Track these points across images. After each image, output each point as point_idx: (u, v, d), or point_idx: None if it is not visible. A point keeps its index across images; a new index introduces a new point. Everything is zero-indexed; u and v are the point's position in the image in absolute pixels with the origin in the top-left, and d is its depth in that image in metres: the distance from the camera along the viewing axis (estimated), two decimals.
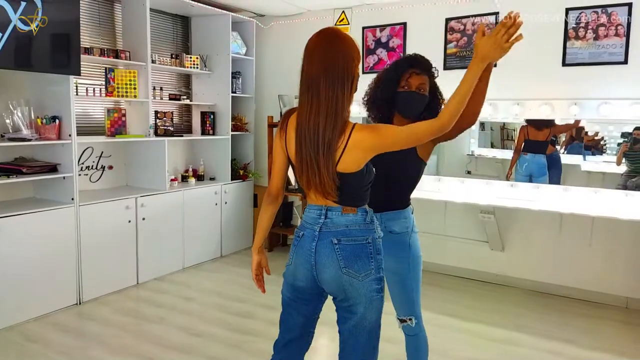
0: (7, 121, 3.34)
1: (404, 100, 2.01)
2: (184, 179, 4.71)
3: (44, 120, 3.42)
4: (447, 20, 4.18)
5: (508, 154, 4.39)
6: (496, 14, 3.97)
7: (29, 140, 3.28)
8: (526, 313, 3.61)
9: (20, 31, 3.00)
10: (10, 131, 3.35)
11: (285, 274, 1.74)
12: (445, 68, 4.22)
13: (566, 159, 4.13)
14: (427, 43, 4.30)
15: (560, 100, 3.75)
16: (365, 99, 2.14)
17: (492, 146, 4.67)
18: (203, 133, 4.82)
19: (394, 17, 4.44)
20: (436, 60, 4.09)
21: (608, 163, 3.95)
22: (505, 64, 3.90)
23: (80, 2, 3.84)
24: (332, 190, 1.56)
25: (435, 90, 2.07)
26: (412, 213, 2.12)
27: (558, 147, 4.14)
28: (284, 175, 1.75)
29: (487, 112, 4.04)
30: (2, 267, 3.07)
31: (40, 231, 3.30)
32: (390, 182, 2.02)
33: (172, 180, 4.44)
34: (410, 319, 2.12)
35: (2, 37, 2.89)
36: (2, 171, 3.27)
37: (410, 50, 4.40)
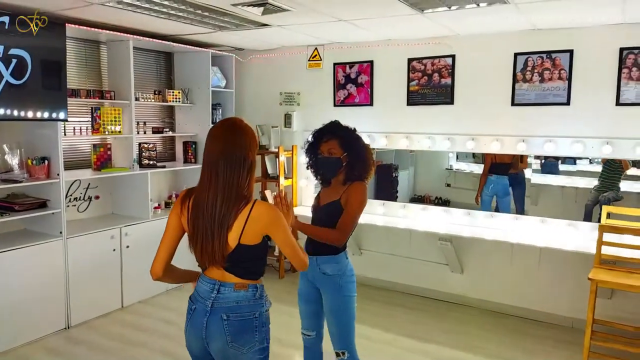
0: (0, 162, 3.64)
1: (319, 164, 2.53)
2: (167, 205, 5.01)
3: (34, 162, 3.73)
4: (410, 60, 4.52)
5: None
6: (452, 56, 4.31)
7: (20, 181, 3.58)
8: (481, 333, 3.94)
9: (12, 86, 3.30)
10: (3, 171, 3.65)
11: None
12: (409, 104, 4.56)
13: (538, 178, 4.49)
14: (392, 80, 4.64)
15: (510, 137, 4.10)
16: (306, 165, 2.65)
17: (474, 156, 5.02)
18: (185, 161, 5.13)
19: (362, 55, 4.77)
20: (400, 96, 4.50)
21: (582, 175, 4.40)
22: (461, 102, 4.29)
23: (68, 44, 4.18)
24: (221, 259, 1.74)
25: (352, 149, 2.47)
26: (346, 258, 2.53)
27: (531, 164, 4.45)
28: (171, 252, 1.85)
29: (446, 146, 4.38)
30: None
31: (31, 263, 3.60)
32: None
33: (155, 207, 4.74)
34: (343, 353, 2.49)
35: None
36: None
37: (377, 85, 4.74)
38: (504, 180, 4.68)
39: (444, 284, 4.59)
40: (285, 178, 5.13)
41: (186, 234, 1.84)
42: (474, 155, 5.02)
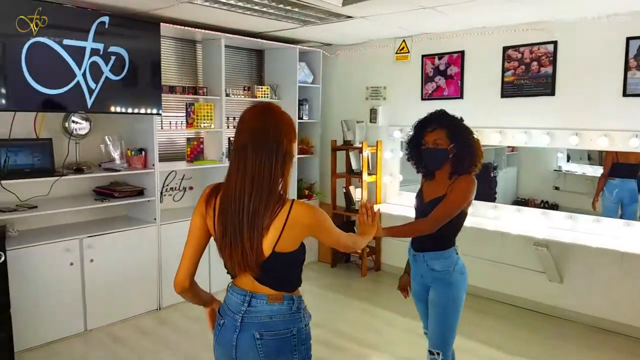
0: (103, 152, 3.99)
1: (424, 156, 2.38)
2: None
3: (133, 152, 4.03)
4: (505, 48, 4.18)
5: (600, 171, 4.24)
6: (554, 42, 3.91)
7: (119, 170, 3.89)
8: (580, 350, 3.53)
9: (111, 81, 3.60)
10: (106, 160, 4.00)
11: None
12: (503, 96, 4.23)
13: None
14: (484, 70, 4.33)
15: (621, 131, 3.61)
16: (406, 156, 2.52)
17: (589, 158, 4.53)
18: None
19: (452, 46, 4.52)
20: (494, 88, 4.19)
21: None
22: (564, 93, 3.88)
23: (167, 43, 4.48)
24: (254, 265, 1.49)
25: (460, 140, 2.31)
26: (456, 254, 2.40)
27: None
28: (196, 260, 1.62)
29: (545, 141, 3.98)
30: (94, 277, 3.69)
31: (128, 246, 3.90)
32: None
33: None
34: (438, 353, 2.35)
35: (96, 87, 3.51)
36: (99, 195, 3.93)
37: (467, 77, 4.46)
38: (630, 184, 4.04)
39: (538, 293, 4.18)
40: (369, 174, 5.03)
41: (213, 238, 1.62)
42: (589, 156, 4.50)
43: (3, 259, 2.95)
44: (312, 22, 4.15)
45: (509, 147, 4.81)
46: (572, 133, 3.84)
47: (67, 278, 3.53)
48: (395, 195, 5.12)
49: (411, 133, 2.45)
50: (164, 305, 4.17)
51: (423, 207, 2.40)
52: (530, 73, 4.06)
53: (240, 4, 3.53)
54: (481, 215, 4.39)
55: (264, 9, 3.70)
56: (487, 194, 5.08)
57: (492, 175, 5.20)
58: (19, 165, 3.42)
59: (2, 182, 3.22)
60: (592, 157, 4.42)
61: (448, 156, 2.31)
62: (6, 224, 3.44)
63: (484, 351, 3.49)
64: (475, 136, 2.41)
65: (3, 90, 3.11)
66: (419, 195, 2.47)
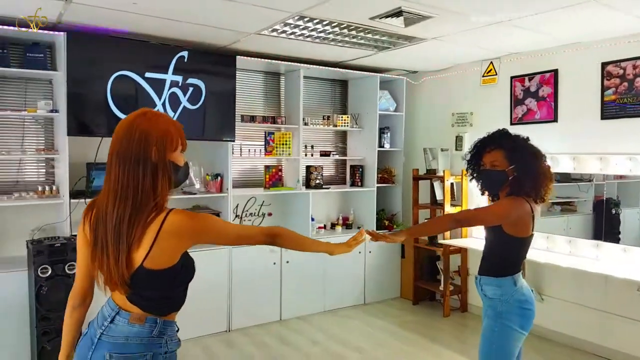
0: None
1: (482, 178, 2.29)
2: (333, 226, 5.10)
3: (210, 177, 4.25)
4: (604, 64, 3.67)
5: None
6: None
7: (194, 193, 4.12)
8: None
9: (188, 110, 3.87)
10: (188, 185, 4.26)
11: None
12: (603, 117, 3.69)
13: None
14: (581, 90, 3.85)
15: None
16: (469, 178, 2.42)
17: None
18: (352, 185, 5.17)
19: (543, 65, 4.10)
20: (592, 109, 3.69)
21: None
22: None
23: (251, 75, 4.73)
24: (118, 281, 1.38)
25: (519, 161, 2.16)
26: (514, 284, 2.19)
27: None
28: (85, 277, 1.52)
29: (628, 168, 3.40)
30: None
31: (201, 267, 4.03)
32: (485, 249, 2.31)
33: (319, 227, 4.88)
34: None
35: (174, 116, 3.79)
36: None
37: (562, 98, 4.00)
38: None
39: None
40: (452, 205, 4.68)
41: None
42: None
43: None
44: (385, 47, 4.07)
45: None
46: None
47: None
48: (481, 229, 4.66)
49: (471, 153, 2.33)
50: (233, 328, 4.24)
51: (485, 231, 2.35)
52: (634, 91, 3.50)
53: (305, 32, 3.60)
54: (581, 255, 3.81)
55: (331, 36, 3.72)
56: (609, 233, 4.41)
57: (613, 212, 4.51)
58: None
59: (87, 200, 3.58)
60: None
61: (507, 178, 2.16)
62: None
63: None
64: (545, 161, 2.22)
65: (91, 119, 3.51)
66: None
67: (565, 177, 4.17)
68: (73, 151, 3.53)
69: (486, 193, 2.35)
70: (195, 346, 3.91)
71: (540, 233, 4.03)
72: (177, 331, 1.53)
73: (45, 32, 3.32)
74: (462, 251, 4.74)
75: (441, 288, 4.75)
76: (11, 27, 3.24)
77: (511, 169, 2.15)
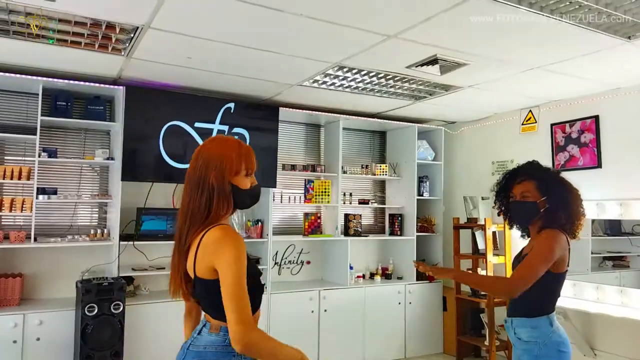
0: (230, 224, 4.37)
1: (511, 210, 2.20)
2: (372, 276, 5.04)
3: (251, 223, 4.36)
4: None
5: None
6: None
7: None
8: None
9: None
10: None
11: None
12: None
13: None
14: (625, 134, 3.79)
15: None
16: (497, 211, 2.35)
17: None
18: (391, 234, 5.14)
19: (584, 111, 4.08)
20: (638, 153, 3.61)
21: None
22: None
23: (294, 127, 4.93)
24: (183, 290, 1.55)
25: (553, 189, 2.10)
26: (550, 325, 2.08)
27: None
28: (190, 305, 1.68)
29: None
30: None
31: None
32: None
33: (358, 277, 4.83)
34: None
35: None
36: None
37: (605, 143, 3.94)
38: None
39: None
40: (495, 254, 4.56)
41: None
42: None
43: (122, 309, 3.34)
44: (422, 96, 4.18)
45: None
46: None
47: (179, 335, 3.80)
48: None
49: (499, 184, 2.28)
50: None
51: (514, 264, 2.21)
52: None
53: (344, 83, 3.77)
54: (634, 306, 3.60)
55: (369, 86, 3.87)
56: None
57: None
58: (153, 230, 3.93)
59: (135, 242, 3.73)
60: None
61: (538, 210, 2.08)
62: (140, 283, 3.93)
63: None
64: (577, 190, 2.14)
65: (144, 165, 3.73)
66: (519, 254, 2.24)
67: (616, 231, 4.02)
68: (125, 197, 3.73)
69: (514, 227, 2.25)
70: None
71: (590, 283, 3.87)
72: None
73: (106, 86, 3.63)
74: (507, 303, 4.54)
75: (486, 343, 4.54)
76: (78, 82, 3.56)
77: (543, 200, 2.07)
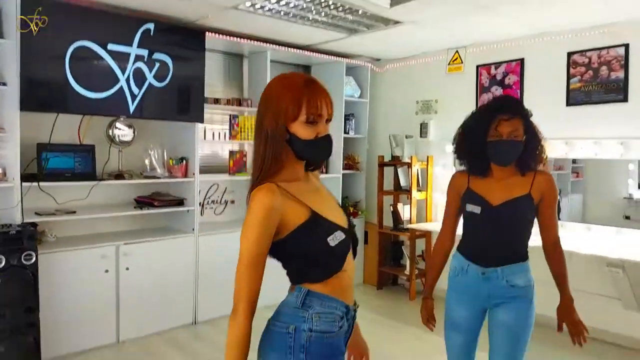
0: (146, 161, 3.95)
1: (496, 150, 1.95)
2: None
3: (174, 161, 3.97)
4: (569, 54, 3.84)
5: None
6: (625, 45, 3.55)
7: (159, 177, 3.83)
8: None
9: (154, 87, 3.58)
10: (148, 170, 3.95)
11: None
12: (569, 104, 3.87)
13: None
14: (547, 78, 4.01)
15: None
16: (454, 150, 2.15)
17: None
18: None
19: (510, 54, 4.23)
20: (558, 96, 3.84)
21: None
22: (638, 99, 3.49)
23: (214, 57, 4.47)
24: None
25: (532, 130, 1.99)
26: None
27: None
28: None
29: (618, 152, 3.58)
30: (129, 286, 3.59)
31: (165, 256, 3.79)
32: (506, 235, 2.00)
33: None
34: None
35: (139, 92, 3.49)
36: (139, 204, 3.87)
37: (528, 86, 4.14)
38: None
39: (611, 322, 3.68)
40: (419, 190, 4.73)
41: None
42: None
43: (34, 260, 2.89)
44: (360, 30, 4.00)
45: (573, 172, 4.45)
46: None
47: (101, 286, 3.45)
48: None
49: (469, 122, 2.06)
50: (200, 320, 4.00)
51: (493, 211, 1.98)
52: (599, 79, 3.69)
53: (284, 9, 3.44)
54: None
55: (310, 15, 3.59)
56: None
57: None
58: (59, 169, 3.40)
59: (41, 183, 3.20)
60: None
61: (521, 152, 1.96)
62: (44, 229, 3.42)
63: None
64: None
65: (46, 92, 3.13)
66: (477, 199, 2.02)
67: None
68: (21, 131, 3.13)
69: (479, 169, 2.04)
70: (160, 341, 3.65)
71: None
72: (345, 312, 1.35)
73: None
74: (427, 235, 4.80)
75: (407, 272, 4.79)
76: None
77: (525, 139, 1.95)
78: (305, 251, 1.31)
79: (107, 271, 3.46)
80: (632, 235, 3.62)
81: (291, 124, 1.29)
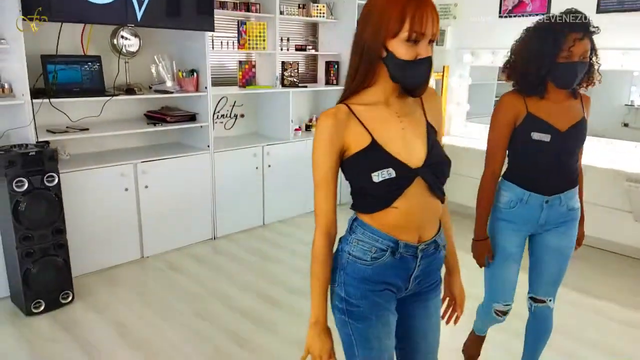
0: (154, 73, 3.72)
1: (566, 73, 1.78)
2: (308, 128, 4.87)
3: (184, 74, 3.75)
4: None
5: None
6: None
7: (171, 92, 3.63)
8: None
9: None
10: (157, 82, 3.74)
11: None
12: (599, 11, 3.66)
13: None
14: None
15: None
16: (508, 67, 1.94)
17: None
18: (327, 83, 4.88)
19: None
20: (589, 3, 3.62)
21: None
22: None
23: None
24: None
25: (595, 50, 1.83)
26: None
27: None
28: None
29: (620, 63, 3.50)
30: (149, 204, 3.54)
31: (181, 173, 3.71)
32: (571, 158, 1.92)
33: (295, 129, 4.62)
34: (550, 300, 2.05)
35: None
36: (151, 119, 3.71)
37: None
38: None
39: (624, 235, 3.81)
40: None
41: None
42: None
43: (57, 181, 2.79)
44: None
45: None
46: None
47: (122, 204, 3.40)
48: (461, 127, 4.71)
49: (533, 41, 1.83)
50: (218, 235, 4.04)
51: (562, 137, 1.85)
52: None
53: None
54: None
55: None
56: None
57: None
58: (67, 83, 3.19)
59: (52, 100, 3.01)
60: None
61: None
62: (57, 147, 3.28)
63: (569, 295, 3.19)
64: None
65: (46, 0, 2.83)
66: (543, 125, 1.85)
67: None
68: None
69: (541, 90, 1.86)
70: (182, 256, 3.70)
71: None
72: (394, 248, 1.27)
73: None
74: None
75: None
76: None
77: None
78: (352, 180, 1.29)
79: (127, 189, 3.40)
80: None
81: (390, 40, 1.17)
